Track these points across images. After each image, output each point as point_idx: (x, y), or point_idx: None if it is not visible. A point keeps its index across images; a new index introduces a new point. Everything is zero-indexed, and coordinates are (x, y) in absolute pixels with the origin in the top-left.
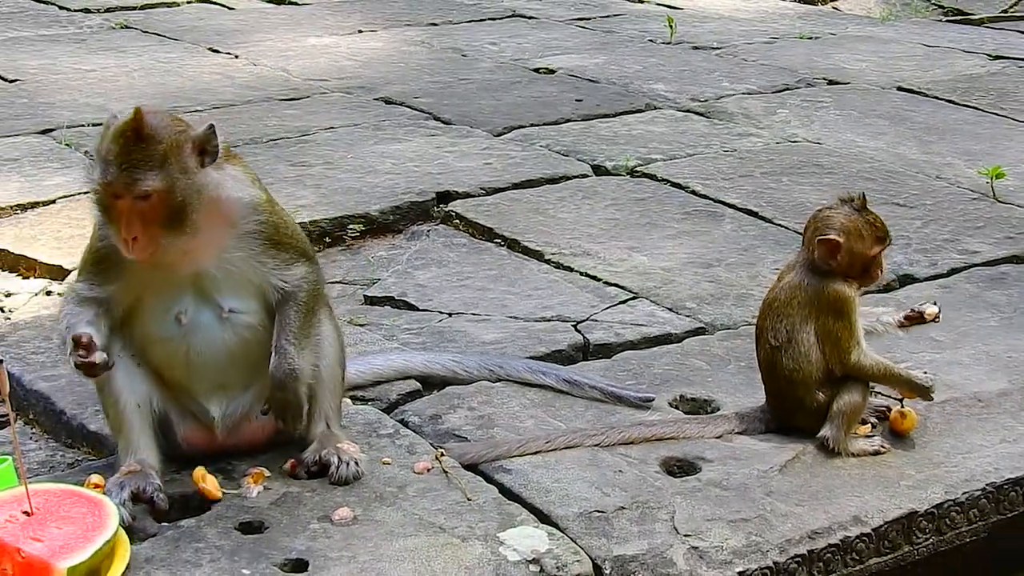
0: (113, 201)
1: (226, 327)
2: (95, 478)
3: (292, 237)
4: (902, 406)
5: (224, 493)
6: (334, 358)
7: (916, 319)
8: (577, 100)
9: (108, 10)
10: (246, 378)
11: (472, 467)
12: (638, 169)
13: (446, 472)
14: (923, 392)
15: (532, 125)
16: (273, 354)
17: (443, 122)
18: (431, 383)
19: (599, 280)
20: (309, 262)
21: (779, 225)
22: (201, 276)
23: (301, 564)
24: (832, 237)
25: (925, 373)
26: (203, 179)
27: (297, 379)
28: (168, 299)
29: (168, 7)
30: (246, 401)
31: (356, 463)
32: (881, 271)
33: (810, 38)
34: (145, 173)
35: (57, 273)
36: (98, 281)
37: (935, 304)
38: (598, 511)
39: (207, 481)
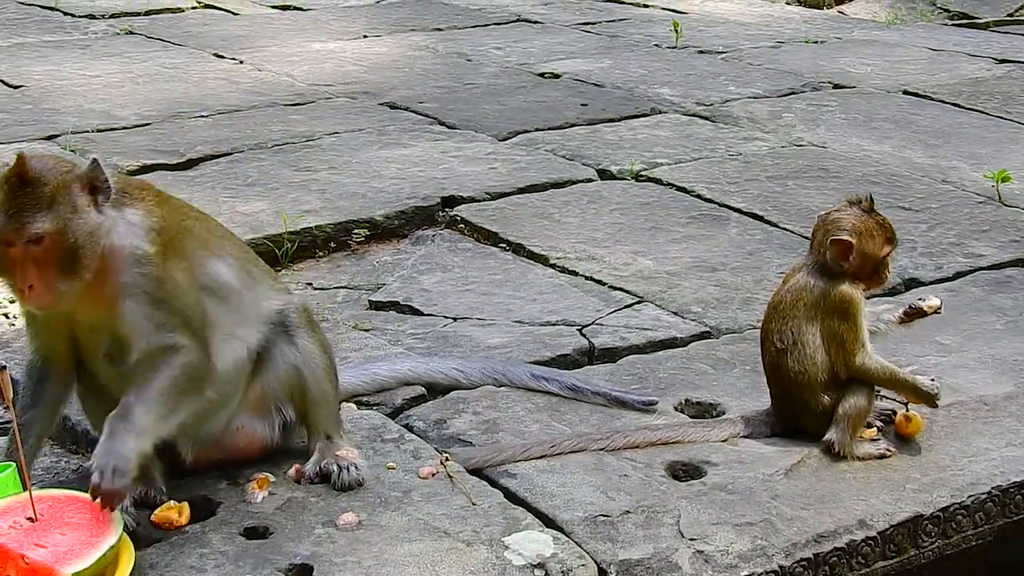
0: (5, 251)
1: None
2: None
3: (176, 301)
4: (907, 410)
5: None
6: (323, 375)
7: (916, 313)
8: (582, 105)
9: (113, 16)
10: (212, 414)
11: (477, 472)
12: (643, 173)
13: (451, 477)
14: (928, 399)
15: (537, 130)
16: (104, 429)
17: (448, 127)
18: (436, 388)
19: (604, 284)
20: (189, 336)
21: (784, 229)
22: (99, 322)
23: (306, 569)
24: (845, 238)
25: (932, 380)
26: (96, 219)
27: (117, 473)
28: (94, 341)
29: (173, 13)
30: (218, 428)
31: (356, 467)
32: (888, 273)
33: (815, 42)
34: (34, 216)
35: None
36: (35, 338)
37: (936, 297)
38: (603, 515)
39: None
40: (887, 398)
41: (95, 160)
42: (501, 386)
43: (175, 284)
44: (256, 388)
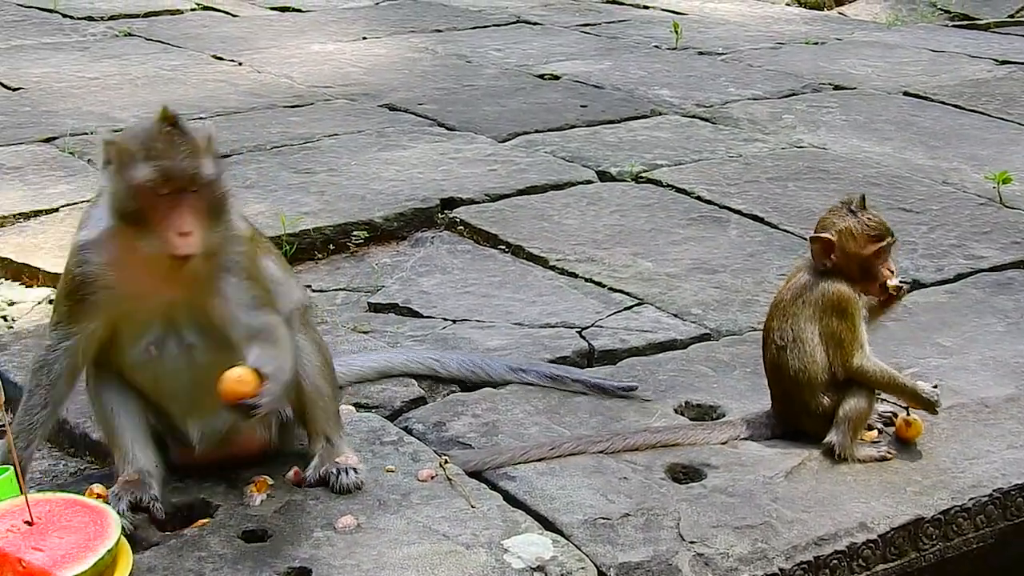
0: (159, 199)
1: (192, 356)
2: (97, 487)
3: (264, 284)
4: (908, 414)
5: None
6: (318, 372)
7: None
8: (582, 106)
9: (111, 18)
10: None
11: (476, 474)
12: (643, 175)
13: (450, 479)
14: (927, 405)
15: (537, 131)
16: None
17: (447, 128)
18: (435, 390)
19: (604, 286)
20: (277, 316)
21: (784, 231)
22: (174, 304)
23: (304, 572)
24: (824, 236)
25: (934, 387)
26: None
27: (274, 401)
28: (140, 330)
29: (172, 15)
30: (223, 420)
31: (355, 471)
32: (891, 273)
33: (816, 43)
34: (199, 161)
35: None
36: (72, 320)
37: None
38: (603, 518)
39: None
40: (888, 401)
41: (208, 129)
42: (484, 383)
43: (262, 268)
44: None
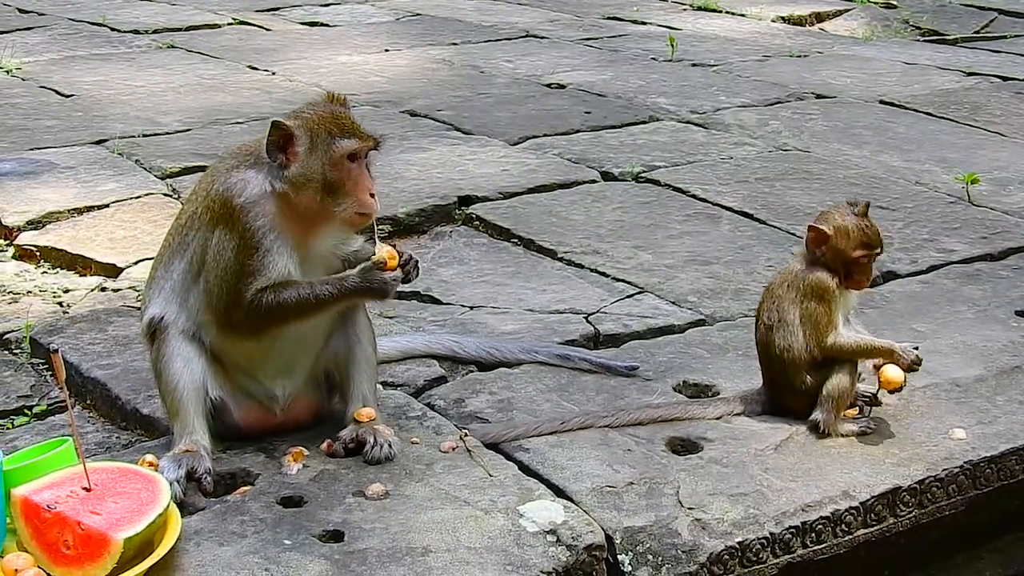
0: (354, 164)
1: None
2: (149, 457)
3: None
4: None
5: None
6: (370, 344)
7: None
8: (586, 112)
9: (156, 31)
10: (308, 361)
11: (493, 446)
12: (642, 175)
13: (470, 451)
14: (902, 359)
15: (545, 135)
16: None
17: (464, 133)
18: (455, 370)
19: (608, 276)
20: None
21: (772, 226)
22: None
23: (337, 535)
24: (822, 228)
25: (916, 348)
26: None
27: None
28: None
29: (211, 29)
30: (301, 381)
31: (389, 445)
32: (866, 278)
33: (799, 56)
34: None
35: (111, 271)
36: (265, 266)
37: None
38: (609, 486)
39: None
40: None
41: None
42: (499, 364)
43: None
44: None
